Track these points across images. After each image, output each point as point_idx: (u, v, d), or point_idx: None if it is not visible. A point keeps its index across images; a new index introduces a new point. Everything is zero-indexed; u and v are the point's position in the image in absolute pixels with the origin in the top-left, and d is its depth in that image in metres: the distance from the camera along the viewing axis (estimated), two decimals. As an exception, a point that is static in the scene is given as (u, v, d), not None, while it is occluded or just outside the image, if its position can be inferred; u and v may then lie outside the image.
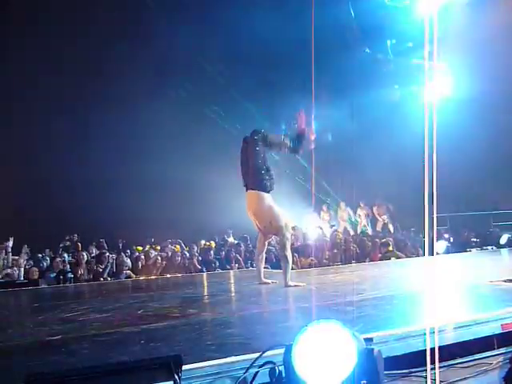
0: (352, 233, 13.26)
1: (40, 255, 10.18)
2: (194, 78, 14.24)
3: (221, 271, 9.39)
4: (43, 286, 8.11)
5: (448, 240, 11.63)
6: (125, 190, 13.35)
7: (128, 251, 10.52)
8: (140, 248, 11.35)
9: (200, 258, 10.01)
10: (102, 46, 13.47)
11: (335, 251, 10.63)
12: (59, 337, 3.40)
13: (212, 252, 10.21)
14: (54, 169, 14.59)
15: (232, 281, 7.50)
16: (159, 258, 9.71)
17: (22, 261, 8.87)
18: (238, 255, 10.37)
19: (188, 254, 10.21)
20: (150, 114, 13.53)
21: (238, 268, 9.74)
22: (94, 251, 10.27)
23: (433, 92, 11.48)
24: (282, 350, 2.30)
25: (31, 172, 14.66)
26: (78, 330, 3.67)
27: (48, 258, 9.54)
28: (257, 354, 2.46)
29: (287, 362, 2.23)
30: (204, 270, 9.56)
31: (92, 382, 2.01)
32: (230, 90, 13.84)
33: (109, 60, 13.67)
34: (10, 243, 9.32)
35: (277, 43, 13.67)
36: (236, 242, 11.61)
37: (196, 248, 11.01)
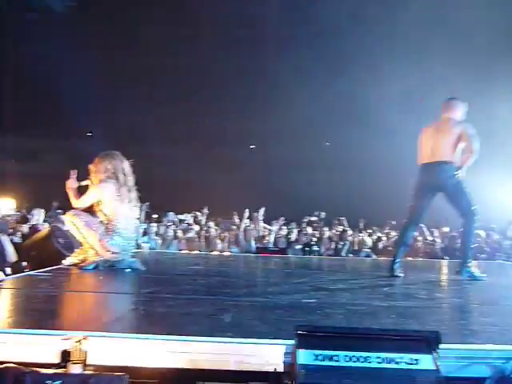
0: None
1: (286, 227, 11.06)
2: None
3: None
4: (290, 255, 8.79)
5: None
6: (371, 171, 13.57)
7: (369, 231, 10.70)
8: (379, 229, 11.44)
9: (443, 245, 9.65)
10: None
11: None
12: (314, 300, 3.68)
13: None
14: (308, 150, 15.75)
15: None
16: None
17: (274, 230, 9.76)
18: (484, 246, 9.70)
19: (430, 240, 9.93)
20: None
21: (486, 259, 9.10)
22: (337, 228, 10.72)
23: None
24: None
25: (289, 154, 16.14)
26: (329, 297, 3.93)
27: (295, 231, 10.28)
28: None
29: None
30: (445, 257, 9.20)
31: (353, 341, 2.17)
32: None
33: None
34: (261, 211, 10.31)
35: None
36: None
37: (438, 234, 10.63)
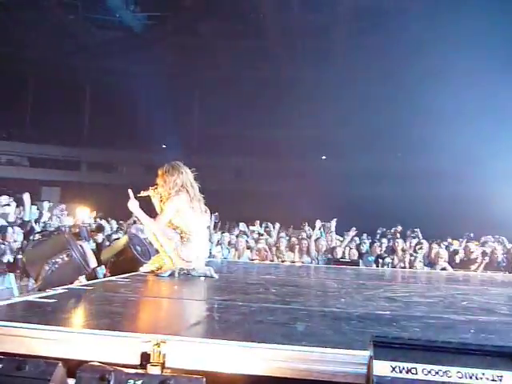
0: None
1: (359, 238, 10.91)
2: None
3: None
4: (362, 267, 8.65)
5: None
6: (445, 182, 13.18)
7: (445, 243, 10.37)
8: (456, 241, 11.05)
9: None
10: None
11: None
12: (388, 312, 3.60)
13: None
14: (381, 162, 15.53)
15: None
16: (479, 253, 9.29)
17: (345, 242, 9.66)
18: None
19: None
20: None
21: None
22: (410, 240, 10.43)
23: None
24: None
25: (360, 165, 15.96)
26: (404, 310, 3.83)
27: (367, 242, 10.12)
28: None
29: None
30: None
31: (433, 354, 2.10)
32: None
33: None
34: (334, 223, 10.24)
35: None
36: None
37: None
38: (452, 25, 14.79)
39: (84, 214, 13.70)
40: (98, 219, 12.42)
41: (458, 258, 9.32)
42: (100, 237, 8.67)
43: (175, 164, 5.41)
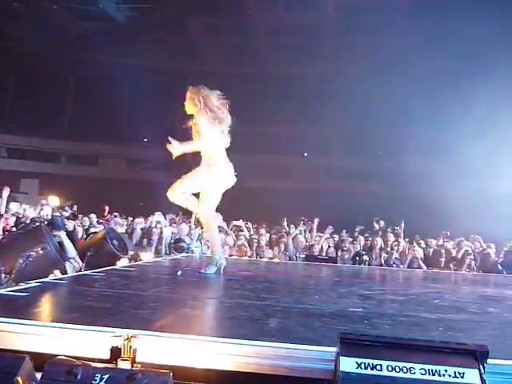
0: None
1: (338, 236, 10.97)
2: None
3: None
4: (339, 264, 8.72)
5: None
6: (427, 181, 13.33)
7: (422, 242, 10.47)
8: (434, 240, 11.15)
9: (502, 259, 9.31)
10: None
11: None
12: (360, 310, 3.65)
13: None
14: (356, 161, 15.62)
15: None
16: (453, 252, 9.42)
17: (323, 239, 9.72)
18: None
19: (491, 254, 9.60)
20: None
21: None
22: (388, 237, 10.50)
23: None
24: None
25: (341, 163, 16.04)
26: (377, 307, 3.90)
27: (345, 240, 10.19)
28: None
29: None
30: (504, 272, 8.87)
31: (397, 351, 2.14)
32: None
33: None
34: (315, 223, 10.33)
35: None
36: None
37: (495, 248, 10.27)
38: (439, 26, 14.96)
39: (55, 203, 13.46)
40: (68, 207, 12.31)
41: (433, 257, 9.42)
42: (72, 224, 8.40)
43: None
